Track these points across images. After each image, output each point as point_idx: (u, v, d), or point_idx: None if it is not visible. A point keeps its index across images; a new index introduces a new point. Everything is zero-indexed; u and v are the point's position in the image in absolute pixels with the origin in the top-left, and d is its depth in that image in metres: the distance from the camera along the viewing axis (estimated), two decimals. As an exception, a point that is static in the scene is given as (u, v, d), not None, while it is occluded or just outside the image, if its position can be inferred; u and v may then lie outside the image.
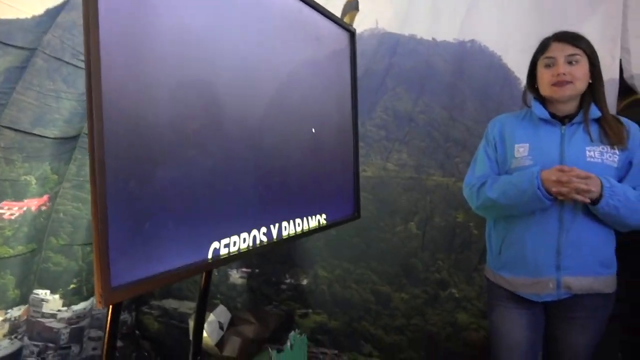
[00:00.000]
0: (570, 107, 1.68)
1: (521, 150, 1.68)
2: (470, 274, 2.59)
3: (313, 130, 1.90)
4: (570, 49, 1.63)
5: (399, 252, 2.73)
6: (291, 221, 1.74)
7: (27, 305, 2.45)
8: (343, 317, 2.85)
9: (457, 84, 2.65)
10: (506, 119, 1.80)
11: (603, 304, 1.68)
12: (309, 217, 1.86)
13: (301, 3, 1.84)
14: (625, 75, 2.26)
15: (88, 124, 0.97)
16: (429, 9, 2.65)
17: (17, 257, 2.28)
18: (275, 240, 1.63)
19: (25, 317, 2.46)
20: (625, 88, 2.27)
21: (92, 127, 0.96)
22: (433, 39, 2.68)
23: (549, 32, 1.73)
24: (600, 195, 1.52)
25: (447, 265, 2.66)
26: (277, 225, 1.66)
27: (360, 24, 2.77)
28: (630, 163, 1.64)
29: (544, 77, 1.66)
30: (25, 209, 2.25)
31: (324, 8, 1.98)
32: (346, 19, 2.74)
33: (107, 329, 1.25)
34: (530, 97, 1.79)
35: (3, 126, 1.99)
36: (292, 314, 2.93)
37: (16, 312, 2.38)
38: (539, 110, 1.70)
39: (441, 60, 2.68)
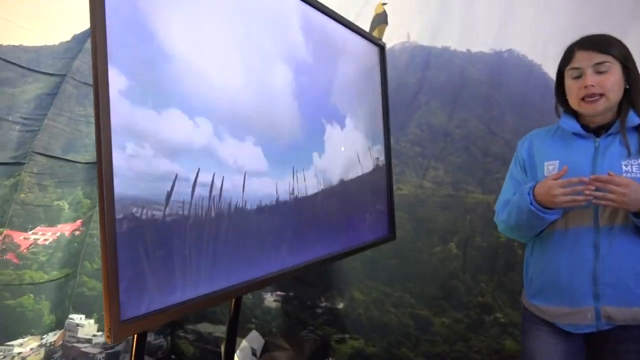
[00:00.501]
0: (605, 117, 1.50)
1: (550, 168, 1.51)
2: (515, 297, 2.42)
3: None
4: (597, 57, 1.44)
5: (438, 273, 2.60)
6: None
7: (62, 330, 2.46)
8: (381, 342, 2.73)
9: (495, 95, 2.53)
10: (535, 136, 1.64)
11: None
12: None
13: (327, 18, 1.79)
14: None
15: (97, 153, 0.93)
16: (462, 19, 2.56)
17: (52, 282, 2.30)
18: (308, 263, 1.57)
19: (60, 342, 2.46)
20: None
21: (100, 154, 0.92)
22: (467, 50, 2.58)
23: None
24: None
25: (490, 288, 2.51)
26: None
27: (391, 38, 2.70)
28: None
29: (572, 90, 1.49)
30: (59, 234, 2.27)
31: (351, 23, 1.93)
32: (375, 33, 2.68)
33: (132, 357, 1.20)
34: (560, 110, 1.63)
35: (35, 152, 2.02)
36: (328, 339, 2.83)
37: (52, 337, 2.39)
38: (568, 123, 1.53)
39: (476, 72, 2.57)
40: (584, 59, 1.46)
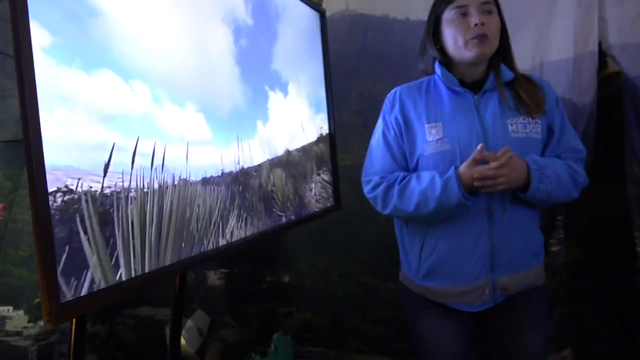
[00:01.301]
0: (479, 71, 1.37)
1: (434, 131, 1.35)
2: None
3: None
4: None
5: (384, 241, 2.63)
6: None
7: (-13, 324, 2.27)
8: (329, 313, 2.74)
9: (436, 63, 2.54)
10: (405, 94, 1.44)
11: (539, 299, 1.45)
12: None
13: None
14: (603, 47, 2.18)
15: (22, 118, 0.83)
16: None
17: (-28, 272, 2.10)
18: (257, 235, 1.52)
19: (-14, 337, 2.28)
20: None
21: (26, 118, 0.82)
22: (406, 18, 2.57)
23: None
24: (529, 181, 1.28)
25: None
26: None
27: (329, 7, 2.64)
28: (550, 129, 1.40)
29: (457, 32, 1.31)
30: (-23, 219, 2.07)
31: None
32: (315, -1, 2.62)
33: (71, 346, 1.11)
34: (429, 61, 1.45)
35: (-56, 130, 1.80)
36: (275, 314, 2.81)
37: (-25, 332, 2.20)
38: (447, 77, 1.36)
39: (416, 40, 2.57)
40: None
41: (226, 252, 1.39)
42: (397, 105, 1.42)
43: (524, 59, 2.10)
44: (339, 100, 2.61)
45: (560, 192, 1.32)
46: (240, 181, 1.50)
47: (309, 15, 2.09)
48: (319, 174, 2.09)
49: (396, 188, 1.37)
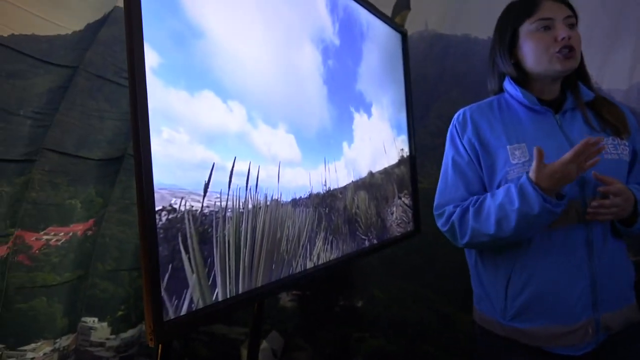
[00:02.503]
0: (555, 90, 1.28)
1: (518, 153, 1.22)
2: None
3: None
4: (567, 10, 1.23)
5: (463, 269, 2.52)
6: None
7: (75, 334, 2.37)
8: (402, 340, 2.65)
9: (518, 83, 2.44)
10: (477, 115, 1.31)
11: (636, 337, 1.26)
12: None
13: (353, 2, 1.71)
14: None
15: (133, 136, 0.84)
16: (482, 4, 2.47)
17: (65, 284, 2.21)
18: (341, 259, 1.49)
19: (73, 346, 2.38)
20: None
21: (137, 137, 0.83)
22: (489, 37, 2.49)
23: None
24: (636, 214, 1.16)
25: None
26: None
27: (408, 27, 2.62)
28: (634, 152, 1.28)
29: (540, 45, 1.22)
30: (71, 234, 2.18)
31: (374, 6, 1.85)
32: (397, 20, 2.59)
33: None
34: (497, 79, 1.36)
35: (47, 149, 1.92)
36: (348, 339, 2.75)
37: (65, 341, 2.30)
38: (524, 96, 1.25)
39: (499, 60, 2.50)
40: (554, 10, 1.23)
41: (313, 274, 1.36)
42: (469, 127, 1.30)
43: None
44: (417, 121, 2.56)
45: None
46: (326, 203, 1.48)
47: (390, 36, 2.07)
48: (400, 197, 2.03)
49: (471, 210, 1.23)
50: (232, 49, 1.16)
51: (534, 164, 1.12)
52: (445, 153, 1.36)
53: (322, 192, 1.47)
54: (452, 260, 2.56)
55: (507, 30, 1.29)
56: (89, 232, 2.28)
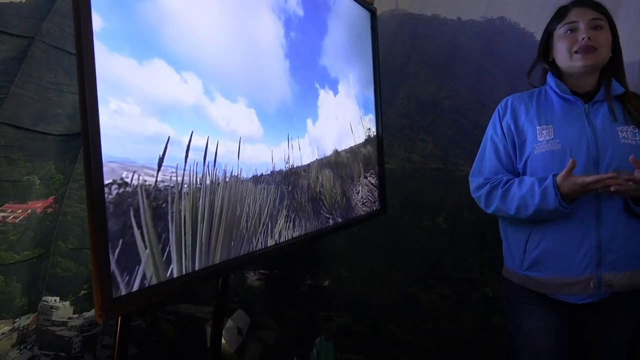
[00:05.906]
0: (590, 83, 1.50)
1: (545, 132, 1.47)
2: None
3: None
4: (593, 13, 1.45)
5: (426, 249, 2.56)
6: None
7: (36, 314, 2.32)
8: (368, 320, 2.68)
9: (486, 65, 2.47)
10: (517, 101, 1.58)
11: (637, 301, 1.50)
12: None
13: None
14: None
15: (80, 104, 0.81)
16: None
17: (24, 262, 2.15)
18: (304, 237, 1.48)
19: (34, 326, 2.33)
20: None
21: (84, 104, 0.80)
22: (458, 18, 2.50)
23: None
24: None
25: (478, 263, 2.47)
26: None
27: (378, 6, 2.60)
28: None
29: (565, 45, 1.47)
30: (29, 211, 2.11)
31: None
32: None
33: (117, 341, 1.09)
34: (541, 73, 1.61)
35: (2, 123, 1.85)
36: (315, 317, 2.77)
37: (24, 320, 2.25)
38: (558, 85, 1.50)
39: (467, 41, 2.50)
40: (579, 14, 1.46)
41: (274, 252, 1.36)
42: (508, 113, 1.56)
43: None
44: (385, 101, 2.56)
45: None
46: (289, 180, 1.47)
47: (359, 13, 2.04)
48: (366, 177, 2.04)
49: (499, 191, 1.49)
50: (183, 16, 1.11)
51: (564, 170, 1.34)
52: (486, 129, 1.63)
53: (284, 170, 1.46)
54: (416, 241, 2.60)
55: (544, 34, 1.56)
56: (49, 210, 2.22)
